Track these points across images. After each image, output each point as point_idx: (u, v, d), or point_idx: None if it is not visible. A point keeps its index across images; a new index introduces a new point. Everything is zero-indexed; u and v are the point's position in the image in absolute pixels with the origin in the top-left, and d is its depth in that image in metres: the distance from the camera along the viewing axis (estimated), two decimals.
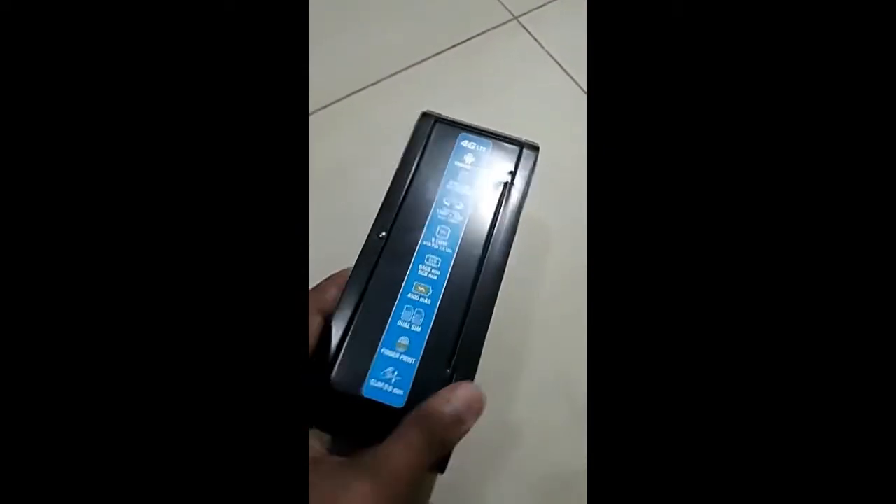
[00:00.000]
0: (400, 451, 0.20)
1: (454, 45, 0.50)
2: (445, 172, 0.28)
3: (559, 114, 0.46)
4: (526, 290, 0.38)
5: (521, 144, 0.30)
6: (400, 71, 0.48)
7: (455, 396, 0.21)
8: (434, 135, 0.29)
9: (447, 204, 0.27)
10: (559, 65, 0.49)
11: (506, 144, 0.30)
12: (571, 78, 0.48)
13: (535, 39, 0.51)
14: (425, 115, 0.30)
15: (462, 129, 0.30)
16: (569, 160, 0.43)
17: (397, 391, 0.22)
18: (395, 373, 0.23)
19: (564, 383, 0.34)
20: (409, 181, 0.27)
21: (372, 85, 0.46)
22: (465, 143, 0.29)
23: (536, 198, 0.41)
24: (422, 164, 0.28)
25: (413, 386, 0.22)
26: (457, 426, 0.20)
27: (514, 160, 0.29)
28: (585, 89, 0.47)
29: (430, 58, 0.49)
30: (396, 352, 0.23)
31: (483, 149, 0.29)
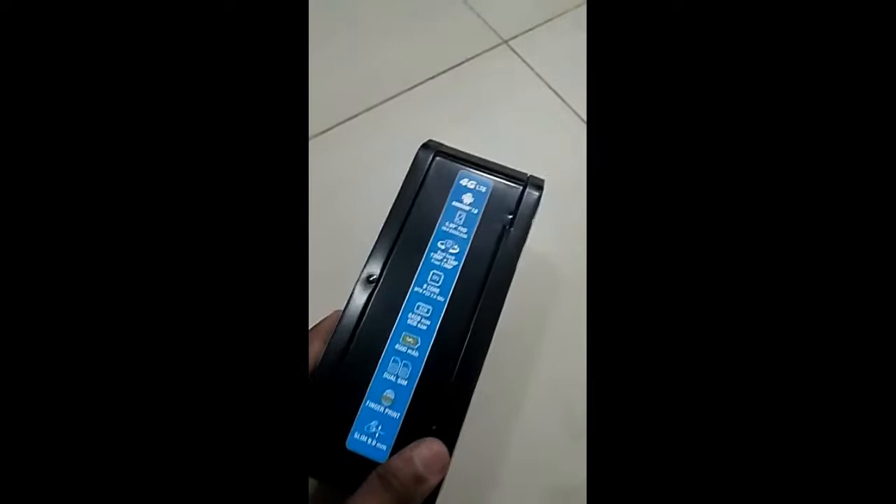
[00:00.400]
0: None
1: (445, 71, 0.50)
2: (443, 214, 0.27)
3: (551, 135, 0.47)
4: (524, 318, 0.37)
5: (524, 182, 0.28)
6: (390, 98, 0.48)
7: (417, 455, 0.21)
8: (433, 170, 0.28)
9: (442, 248, 0.26)
10: (549, 86, 0.49)
11: (508, 182, 0.28)
12: (562, 99, 0.49)
13: (525, 62, 0.51)
14: (426, 147, 0.29)
15: (463, 164, 0.29)
16: (562, 182, 0.43)
17: (381, 446, 0.22)
18: (380, 427, 0.22)
19: (566, 403, 0.34)
20: (403, 220, 0.26)
21: (364, 112, 0.47)
22: (464, 182, 0.28)
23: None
24: (418, 203, 0.27)
25: (396, 441, 0.22)
26: (418, 484, 0.20)
27: (516, 200, 0.27)
28: (575, 110, 0.48)
29: (420, 84, 0.49)
30: (381, 405, 0.23)
31: (483, 188, 0.28)
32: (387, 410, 0.23)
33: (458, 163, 0.29)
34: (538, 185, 0.29)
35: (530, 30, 0.54)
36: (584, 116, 0.47)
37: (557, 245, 0.40)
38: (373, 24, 0.54)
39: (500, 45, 0.53)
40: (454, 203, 0.27)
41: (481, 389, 0.23)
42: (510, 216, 0.27)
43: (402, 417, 0.22)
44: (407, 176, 0.28)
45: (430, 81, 0.50)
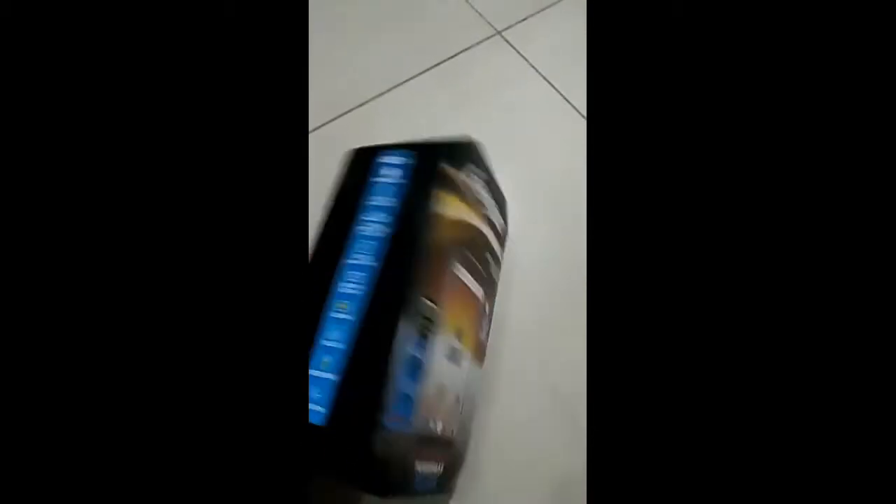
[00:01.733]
0: None
1: (438, 64, 0.50)
2: (365, 190, 0.28)
3: (545, 124, 0.46)
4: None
5: (449, 145, 0.29)
6: (383, 93, 0.48)
7: None
8: (353, 163, 0.30)
9: (371, 220, 0.27)
10: (543, 76, 0.49)
11: (434, 150, 0.29)
12: (555, 88, 0.48)
13: (519, 53, 0.51)
14: (351, 151, 0.31)
15: (383, 148, 0.30)
16: (555, 168, 0.43)
17: (319, 408, 0.23)
18: (317, 391, 0.23)
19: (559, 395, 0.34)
20: (331, 208, 0.29)
21: (357, 107, 0.47)
22: (384, 160, 0.29)
23: (518, 200, 0.41)
24: (342, 190, 0.29)
25: (334, 403, 0.23)
26: None
27: (446, 161, 0.28)
28: (569, 99, 0.47)
29: (416, 76, 0.49)
30: (321, 371, 0.24)
31: (405, 159, 0.29)
32: (325, 375, 0.23)
33: (378, 150, 0.30)
34: (465, 142, 0.30)
35: (524, 20, 0.54)
36: (578, 105, 0.47)
37: (552, 232, 0.40)
38: (365, 18, 0.54)
39: (493, 35, 0.53)
40: (375, 179, 0.29)
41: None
42: (441, 174, 0.28)
43: (339, 380, 0.23)
44: (336, 179, 0.30)
45: (424, 74, 0.50)
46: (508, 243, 0.39)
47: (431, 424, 0.25)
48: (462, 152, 0.29)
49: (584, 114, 0.46)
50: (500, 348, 0.35)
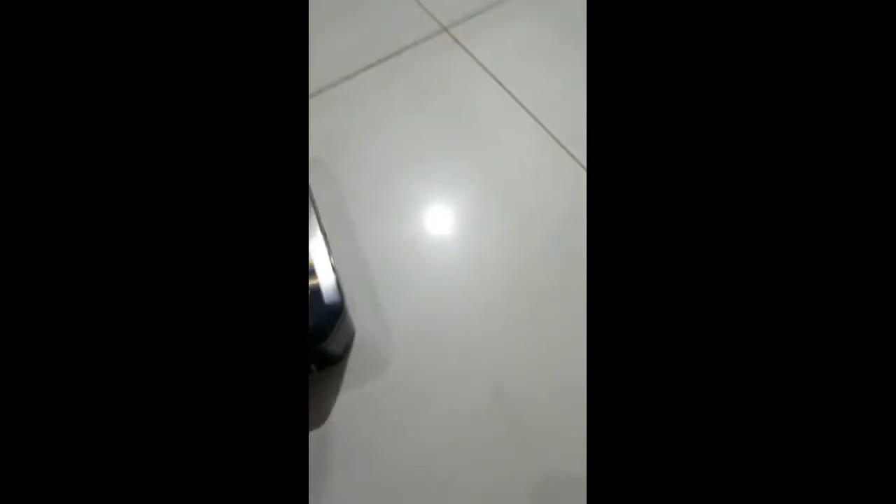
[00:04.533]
0: None
1: (383, 59, 0.49)
2: None
3: (494, 123, 0.46)
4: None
5: None
6: (327, 87, 0.46)
7: None
8: None
9: None
10: (491, 75, 0.49)
11: None
12: (504, 87, 0.48)
13: (467, 51, 0.51)
14: None
15: None
16: (504, 162, 0.43)
17: None
18: None
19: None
20: None
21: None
22: None
23: (468, 195, 0.41)
24: None
25: None
26: None
27: None
28: (517, 98, 0.47)
29: (361, 71, 0.48)
30: None
31: None
32: None
33: None
34: None
35: (472, 17, 0.53)
36: (525, 103, 0.47)
37: (501, 226, 0.40)
38: (313, 11, 0.52)
39: (440, 32, 0.52)
40: None
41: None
42: None
43: None
44: None
45: (370, 69, 0.48)
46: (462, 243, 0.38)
47: None
48: None
49: (530, 110, 0.46)
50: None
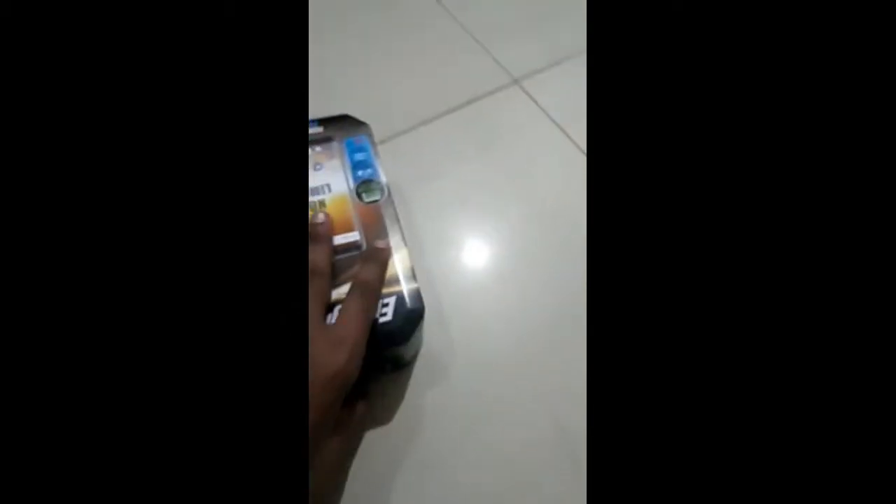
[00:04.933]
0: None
1: (458, 107, 0.54)
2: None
3: (556, 168, 0.50)
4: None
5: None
6: (406, 131, 0.52)
7: (365, 265, 0.31)
8: None
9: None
10: (556, 123, 0.53)
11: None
12: (569, 137, 0.52)
13: (534, 101, 0.55)
14: None
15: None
16: (568, 215, 0.46)
17: None
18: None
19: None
20: None
21: (387, 140, 0.50)
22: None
23: (533, 237, 0.44)
24: None
25: None
26: (373, 277, 0.31)
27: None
28: (579, 145, 0.51)
29: (437, 118, 0.53)
30: None
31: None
32: None
33: None
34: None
35: (539, 71, 0.58)
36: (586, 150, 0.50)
37: (552, 261, 0.42)
38: (393, 59, 0.59)
39: (511, 84, 0.57)
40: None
41: None
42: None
43: None
44: None
45: (445, 116, 0.54)
46: (509, 278, 0.41)
47: None
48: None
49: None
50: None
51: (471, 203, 0.46)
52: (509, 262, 0.43)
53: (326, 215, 0.34)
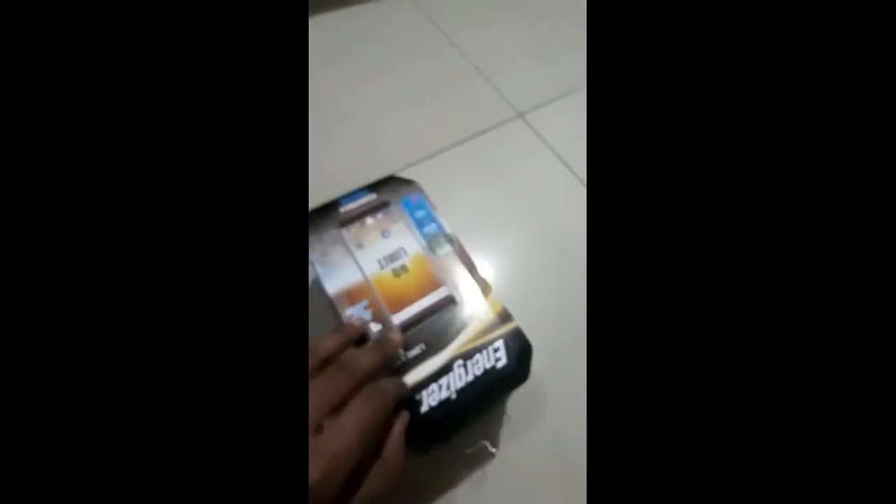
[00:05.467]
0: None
1: (464, 140, 0.56)
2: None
3: (559, 201, 0.51)
4: None
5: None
6: (413, 164, 0.53)
7: (391, 334, 0.31)
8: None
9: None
10: (559, 157, 0.54)
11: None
12: (570, 169, 0.53)
13: (538, 134, 0.57)
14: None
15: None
16: (568, 242, 0.47)
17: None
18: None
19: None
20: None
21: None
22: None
23: (535, 267, 0.45)
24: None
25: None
26: (391, 343, 0.30)
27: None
28: (580, 177, 0.52)
29: (442, 151, 0.55)
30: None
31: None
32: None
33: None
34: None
35: (543, 105, 0.60)
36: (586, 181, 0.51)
37: (556, 289, 0.43)
38: (400, 94, 0.61)
39: (515, 118, 0.59)
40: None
41: None
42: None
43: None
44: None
45: (451, 150, 0.55)
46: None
47: None
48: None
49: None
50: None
51: (474, 229, 0.48)
52: (510, 292, 0.44)
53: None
